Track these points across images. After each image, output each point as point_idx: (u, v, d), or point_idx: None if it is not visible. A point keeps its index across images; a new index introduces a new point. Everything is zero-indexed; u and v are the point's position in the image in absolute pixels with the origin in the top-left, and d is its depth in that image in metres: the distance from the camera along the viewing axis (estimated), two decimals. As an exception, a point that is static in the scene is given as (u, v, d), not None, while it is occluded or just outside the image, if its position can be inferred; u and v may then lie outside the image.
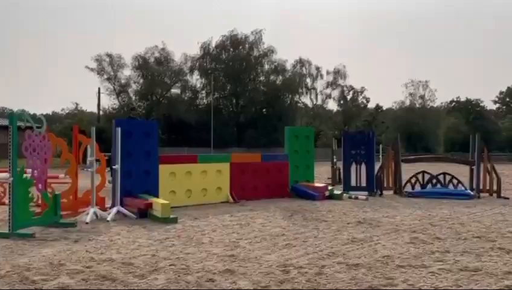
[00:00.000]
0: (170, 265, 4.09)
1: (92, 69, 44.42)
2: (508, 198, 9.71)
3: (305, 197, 9.42)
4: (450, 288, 3.46)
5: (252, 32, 47.44)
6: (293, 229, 5.90)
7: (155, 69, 45.37)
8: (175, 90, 47.50)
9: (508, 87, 63.65)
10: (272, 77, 48.36)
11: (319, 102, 55.10)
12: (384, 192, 10.49)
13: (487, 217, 7.05)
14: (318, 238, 5.30)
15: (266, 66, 48.38)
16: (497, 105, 64.95)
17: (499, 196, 9.88)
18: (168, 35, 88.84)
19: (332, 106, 56.86)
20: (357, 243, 5.09)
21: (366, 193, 10.17)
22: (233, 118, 46.63)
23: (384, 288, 3.44)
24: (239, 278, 3.70)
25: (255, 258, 4.35)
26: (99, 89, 44.87)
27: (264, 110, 47.87)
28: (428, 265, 4.12)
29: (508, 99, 63.94)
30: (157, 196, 7.50)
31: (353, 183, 10.66)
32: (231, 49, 47.33)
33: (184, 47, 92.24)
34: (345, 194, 9.87)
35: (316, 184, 10.20)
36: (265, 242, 5.11)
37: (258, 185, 9.44)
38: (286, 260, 4.29)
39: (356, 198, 9.56)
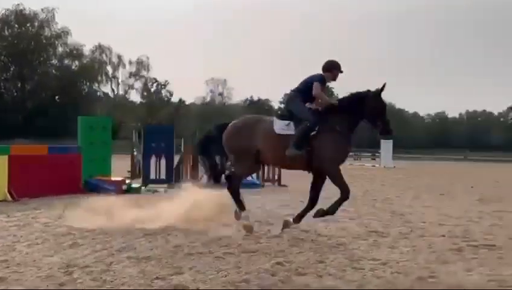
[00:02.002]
0: None
1: None
2: (286, 186, 11.20)
3: (101, 192, 8.93)
4: (230, 269, 3.78)
5: (42, 9, 42.49)
6: (81, 227, 5.49)
7: None
8: None
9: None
10: (66, 61, 44.44)
11: (121, 92, 53.22)
12: (183, 184, 10.78)
13: (270, 203, 7.96)
14: (109, 235, 5.09)
15: (60, 49, 44.16)
16: (283, 105, 74.58)
17: (279, 184, 11.31)
18: None
19: (135, 97, 55.61)
20: (150, 235, 5.08)
21: (165, 185, 10.28)
22: (18, 105, 40.93)
23: (170, 277, 3.53)
24: (11, 285, 3.27)
25: (33, 262, 3.91)
26: None
27: (57, 97, 43.58)
28: (215, 251, 4.41)
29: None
30: None
31: (153, 176, 10.63)
32: (16, 26, 41.48)
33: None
34: (143, 188, 9.77)
35: (113, 178, 9.81)
36: (48, 243, 4.65)
37: (43, 180, 8.47)
38: (70, 260, 3.98)
39: (155, 191, 9.57)
